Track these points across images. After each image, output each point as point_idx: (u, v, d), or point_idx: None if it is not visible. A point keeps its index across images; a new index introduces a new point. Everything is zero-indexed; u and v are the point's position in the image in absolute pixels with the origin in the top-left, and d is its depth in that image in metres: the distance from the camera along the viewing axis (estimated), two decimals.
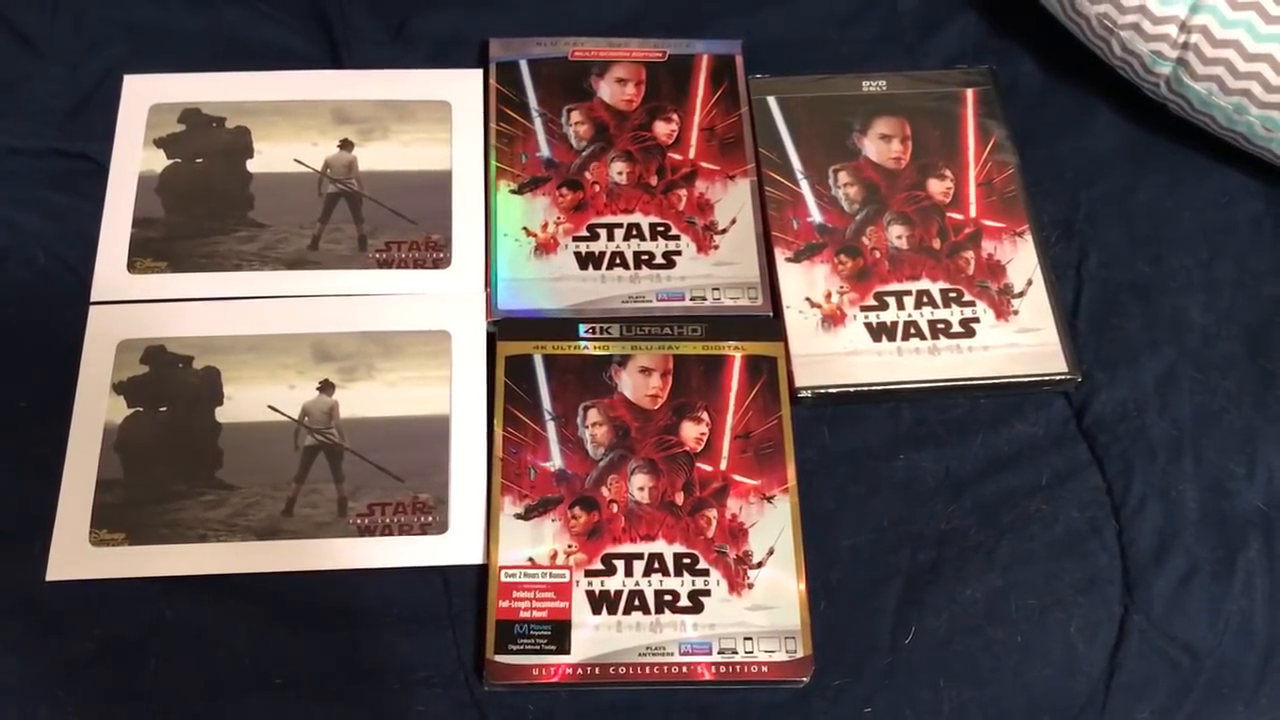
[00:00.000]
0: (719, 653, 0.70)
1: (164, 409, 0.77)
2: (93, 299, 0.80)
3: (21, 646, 0.70)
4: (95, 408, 0.76)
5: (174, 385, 0.77)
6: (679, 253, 0.83)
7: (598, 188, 0.85)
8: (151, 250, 0.81)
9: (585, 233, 0.84)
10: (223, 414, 0.76)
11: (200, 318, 0.79)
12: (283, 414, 0.77)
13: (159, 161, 0.85)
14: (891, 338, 0.81)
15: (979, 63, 0.93)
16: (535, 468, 0.75)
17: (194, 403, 0.77)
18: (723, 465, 0.76)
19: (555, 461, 0.76)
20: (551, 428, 0.77)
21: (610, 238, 0.83)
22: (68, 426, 0.75)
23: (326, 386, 0.78)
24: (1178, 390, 0.81)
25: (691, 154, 0.87)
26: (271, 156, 0.85)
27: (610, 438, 0.77)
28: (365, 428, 0.77)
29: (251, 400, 0.77)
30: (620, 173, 0.86)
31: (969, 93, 0.91)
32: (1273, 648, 0.73)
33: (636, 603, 0.72)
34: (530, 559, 0.73)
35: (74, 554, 0.72)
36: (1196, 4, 0.80)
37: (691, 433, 0.77)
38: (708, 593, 0.72)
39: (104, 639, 0.70)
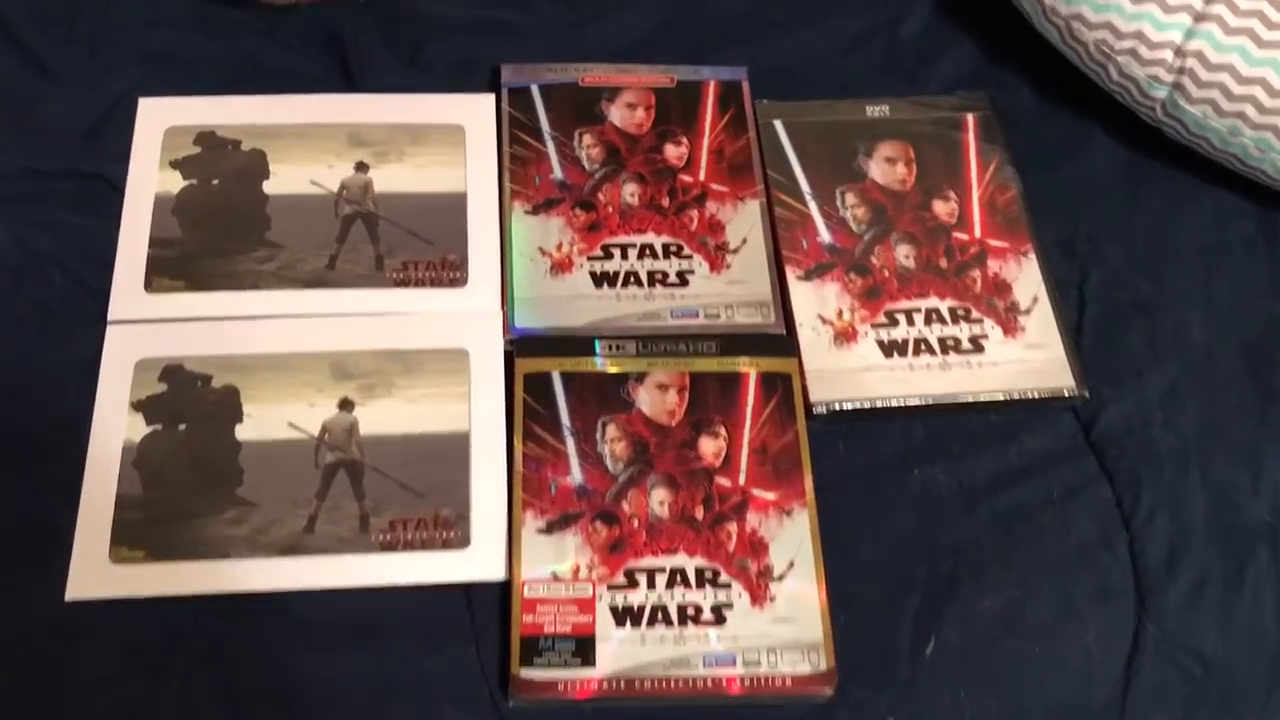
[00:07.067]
0: (743, 664, 0.71)
1: (183, 427, 0.76)
2: (110, 318, 0.80)
3: (42, 665, 0.69)
4: (114, 426, 0.76)
5: (193, 403, 0.77)
6: (692, 271, 0.84)
7: (610, 209, 0.87)
8: (168, 270, 0.81)
9: (599, 252, 0.85)
10: (242, 431, 0.76)
11: (218, 336, 0.79)
12: (303, 431, 0.77)
13: (175, 183, 0.85)
14: (903, 354, 0.82)
15: (978, 89, 0.95)
16: (556, 483, 0.76)
17: (213, 420, 0.77)
18: (741, 480, 0.77)
19: (575, 477, 0.76)
20: (571, 444, 0.77)
21: (624, 257, 0.84)
22: (86, 445, 0.75)
23: (346, 404, 0.78)
24: (1181, 405, 0.82)
25: (702, 176, 0.88)
26: (287, 178, 0.86)
27: (629, 453, 0.77)
28: (385, 444, 0.77)
29: (271, 418, 0.77)
30: (632, 194, 0.87)
31: (969, 117, 0.93)
32: None
33: (660, 616, 0.72)
34: (553, 574, 0.73)
35: (94, 572, 0.71)
36: (1192, 29, 0.83)
37: (710, 448, 0.78)
38: (730, 605, 0.72)
39: (125, 657, 0.69)
